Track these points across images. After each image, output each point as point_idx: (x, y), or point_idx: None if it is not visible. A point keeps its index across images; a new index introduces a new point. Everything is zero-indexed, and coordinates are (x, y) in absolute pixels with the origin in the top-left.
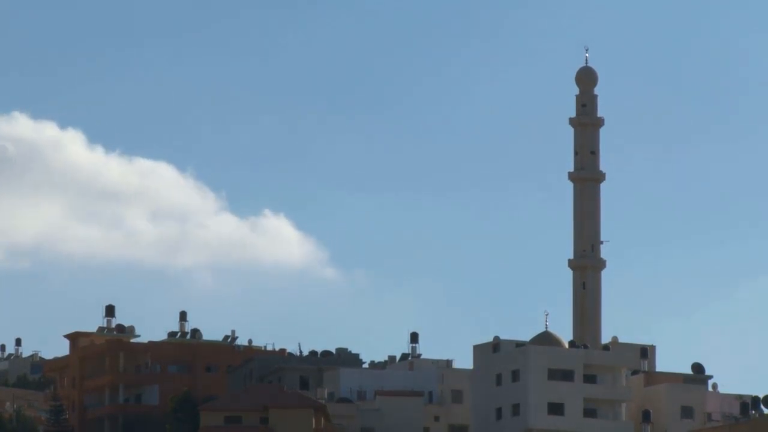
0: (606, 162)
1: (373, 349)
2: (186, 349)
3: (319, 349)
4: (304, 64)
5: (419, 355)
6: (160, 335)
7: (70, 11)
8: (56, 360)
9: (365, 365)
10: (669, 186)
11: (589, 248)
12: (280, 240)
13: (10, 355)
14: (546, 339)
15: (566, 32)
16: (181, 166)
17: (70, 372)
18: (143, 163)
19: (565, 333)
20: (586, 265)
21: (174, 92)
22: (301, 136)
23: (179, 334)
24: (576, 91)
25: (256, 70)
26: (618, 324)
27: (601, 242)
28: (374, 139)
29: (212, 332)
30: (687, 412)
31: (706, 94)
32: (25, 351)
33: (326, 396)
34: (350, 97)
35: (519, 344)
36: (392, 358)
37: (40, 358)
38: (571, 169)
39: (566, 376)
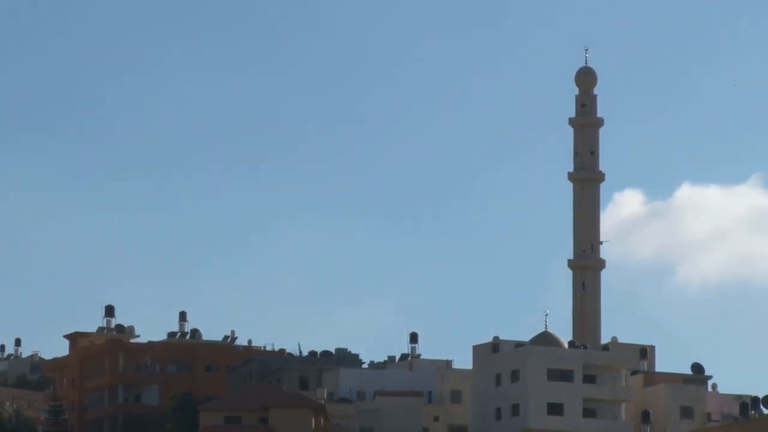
0: (606, 162)
1: (372, 349)
2: (186, 349)
3: (318, 349)
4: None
5: (419, 355)
6: (160, 335)
7: None
8: (56, 360)
9: (365, 365)
10: (668, 186)
11: (588, 248)
12: None
13: (9, 355)
14: (545, 339)
15: (566, 32)
16: None
17: (70, 372)
18: None
19: (564, 333)
20: (586, 265)
21: None
22: None
23: (179, 334)
24: (576, 91)
25: None
26: (618, 324)
27: (601, 242)
28: (385, 141)
29: (212, 332)
30: (686, 412)
31: (706, 95)
32: (25, 351)
33: (326, 396)
34: (350, 102)
35: (518, 344)
36: (392, 359)
37: (40, 358)
38: (571, 169)
39: (566, 376)
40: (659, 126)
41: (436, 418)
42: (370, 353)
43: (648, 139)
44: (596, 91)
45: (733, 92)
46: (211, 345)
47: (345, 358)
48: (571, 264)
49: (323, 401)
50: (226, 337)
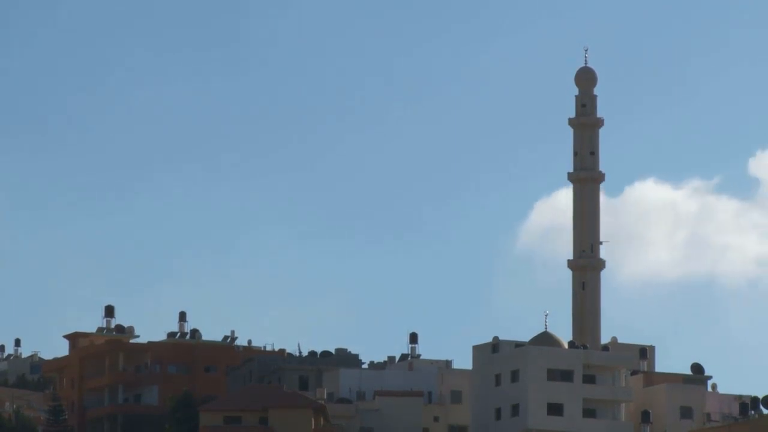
0: (605, 162)
1: (372, 350)
2: (185, 349)
3: (318, 350)
4: None
5: (418, 355)
6: (160, 335)
7: None
8: (56, 360)
9: (365, 365)
10: (668, 186)
11: (588, 248)
12: None
13: (9, 355)
14: (545, 339)
15: (566, 32)
16: None
17: (70, 372)
18: None
19: (564, 333)
20: (586, 265)
21: None
22: None
23: (179, 334)
24: (575, 91)
25: None
26: (617, 324)
27: (601, 242)
28: (383, 141)
29: (212, 332)
30: (686, 412)
31: (706, 95)
32: (25, 351)
33: (326, 396)
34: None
35: (518, 344)
36: (392, 359)
37: (40, 358)
38: (571, 170)
39: (565, 376)
40: (657, 125)
41: (436, 418)
42: (370, 353)
43: (645, 138)
44: (596, 91)
45: (731, 92)
46: (211, 345)
47: (345, 358)
48: (571, 264)
49: (323, 401)
50: (225, 337)
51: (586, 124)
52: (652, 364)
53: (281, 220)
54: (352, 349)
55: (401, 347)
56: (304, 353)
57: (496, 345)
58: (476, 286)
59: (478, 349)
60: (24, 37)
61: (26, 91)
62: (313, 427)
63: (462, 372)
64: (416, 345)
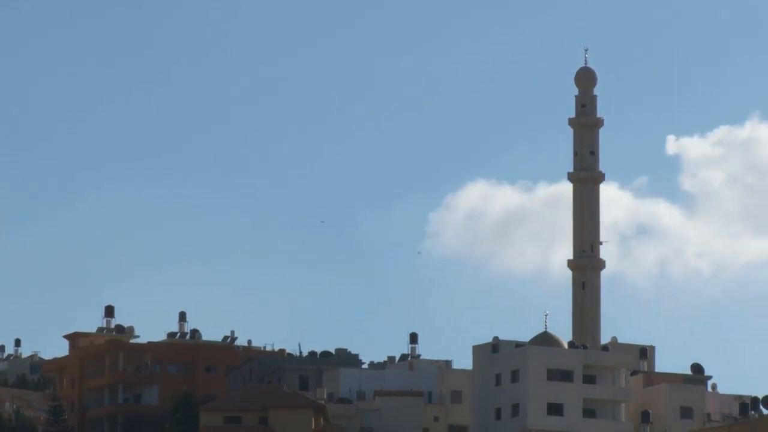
0: (605, 162)
1: (372, 350)
2: (185, 349)
3: (318, 350)
4: None
5: (418, 355)
6: (160, 335)
7: None
8: (56, 360)
9: (365, 365)
10: (667, 186)
11: (588, 248)
12: None
13: (9, 355)
14: (545, 339)
15: (566, 32)
16: None
17: (70, 372)
18: None
19: (564, 333)
20: (586, 265)
21: None
22: None
23: (179, 334)
24: (575, 91)
25: None
26: (618, 324)
27: (601, 242)
28: (383, 137)
29: (212, 332)
30: (686, 412)
31: (706, 95)
32: (25, 351)
33: (326, 396)
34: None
35: (518, 344)
36: (392, 359)
37: (40, 358)
38: (571, 170)
39: (565, 376)
40: (659, 125)
41: (436, 418)
42: (370, 353)
43: (646, 138)
44: (596, 91)
45: (732, 92)
46: (211, 345)
47: (345, 358)
48: (571, 264)
49: (323, 401)
50: (225, 337)
51: (586, 124)
52: (652, 364)
53: (280, 221)
54: (352, 349)
55: (401, 347)
56: (304, 353)
57: (496, 345)
58: (477, 285)
59: (478, 349)
60: None
61: (24, 91)
62: (313, 427)
63: (462, 372)
64: (416, 345)
